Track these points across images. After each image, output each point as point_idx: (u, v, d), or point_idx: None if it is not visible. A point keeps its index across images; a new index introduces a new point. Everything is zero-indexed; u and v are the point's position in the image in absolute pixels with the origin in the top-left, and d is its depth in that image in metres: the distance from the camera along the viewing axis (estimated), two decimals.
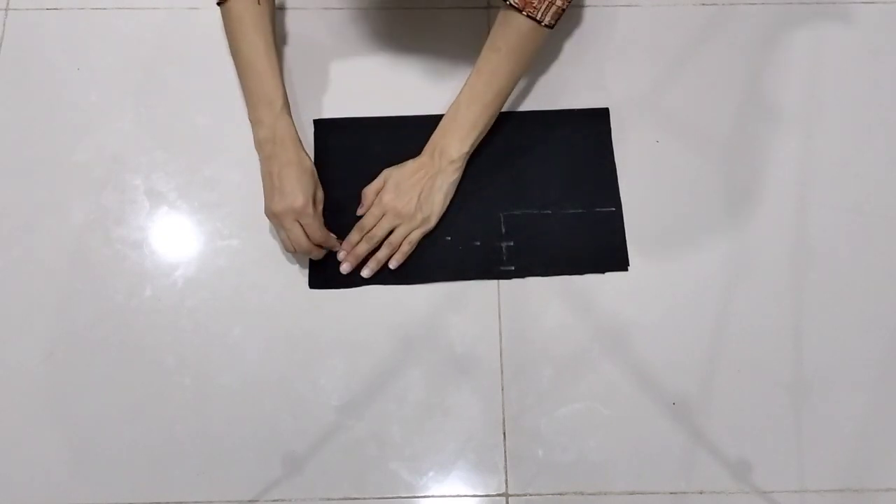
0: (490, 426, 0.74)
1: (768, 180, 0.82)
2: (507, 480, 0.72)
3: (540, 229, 0.79)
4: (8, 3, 0.88)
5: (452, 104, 0.76)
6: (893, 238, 0.80)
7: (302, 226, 0.72)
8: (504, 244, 0.79)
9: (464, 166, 0.77)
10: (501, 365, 0.75)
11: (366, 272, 0.77)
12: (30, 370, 0.75)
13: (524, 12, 0.70)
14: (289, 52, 0.85)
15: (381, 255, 0.77)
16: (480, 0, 0.88)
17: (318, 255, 0.75)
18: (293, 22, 0.87)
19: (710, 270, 0.78)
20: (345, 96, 0.84)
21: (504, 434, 0.74)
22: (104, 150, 0.82)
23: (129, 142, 0.82)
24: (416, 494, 0.72)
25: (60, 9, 0.88)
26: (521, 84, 0.85)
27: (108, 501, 0.71)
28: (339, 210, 0.78)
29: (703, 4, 0.89)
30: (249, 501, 0.71)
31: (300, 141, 0.75)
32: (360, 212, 0.78)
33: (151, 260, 0.78)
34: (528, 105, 0.84)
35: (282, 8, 0.87)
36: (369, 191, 0.78)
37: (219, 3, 0.74)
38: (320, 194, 0.75)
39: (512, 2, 0.70)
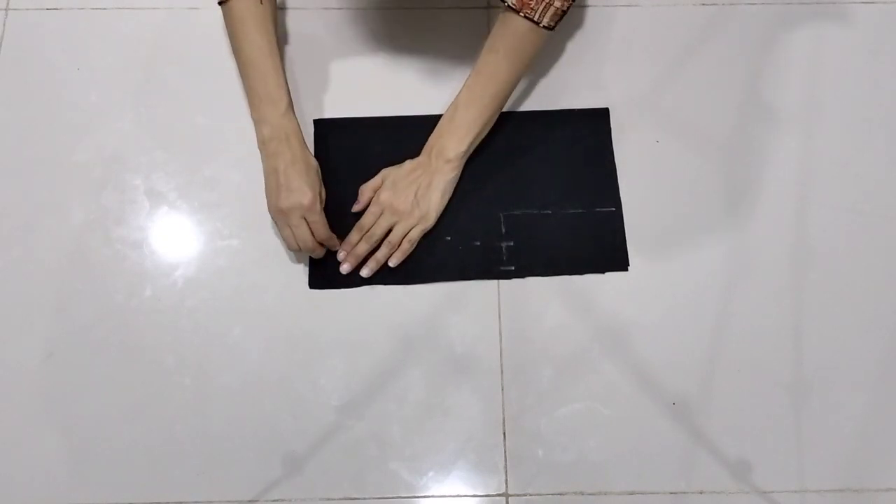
0: (490, 426, 0.74)
1: (768, 180, 0.82)
2: (507, 480, 0.72)
3: (540, 229, 0.79)
4: (8, 3, 0.88)
5: (450, 105, 0.76)
6: (893, 238, 0.80)
7: (308, 223, 0.72)
8: (504, 244, 0.79)
9: (461, 166, 0.77)
10: (501, 365, 0.75)
11: (365, 272, 0.77)
12: (30, 370, 0.75)
13: (521, 13, 0.70)
14: (289, 52, 0.85)
15: (380, 254, 0.77)
16: (480, 0, 0.88)
17: (319, 253, 0.75)
18: (293, 22, 0.87)
19: (710, 270, 0.79)
20: (345, 96, 0.84)
21: (504, 434, 0.74)
22: (104, 150, 0.82)
23: (129, 142, 0.82)
24: (416, 494, 0.72)
25: (60, 9, 0.88)
26: (522, 84, 0.85)
27: (108, 501, 0.71)
28: (340, 210, 0.78)
29: (703, 4, 0.89)
30: (249, 501, 0.71)
31: (304, 139, 0.75)
32: (355, 208, 0.78)
33: (151, 260, 0.78)
34: (528, 105, 0.84)
35: (282, 8, 0.87)
36: (366, 188, 0.78)
37: (220, 3, 0.74)
38: (324, 193, 0.75)
39: (510, 3, 0.70)
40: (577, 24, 0.88)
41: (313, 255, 0.76)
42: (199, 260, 0.78)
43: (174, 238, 0.79)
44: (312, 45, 0.86)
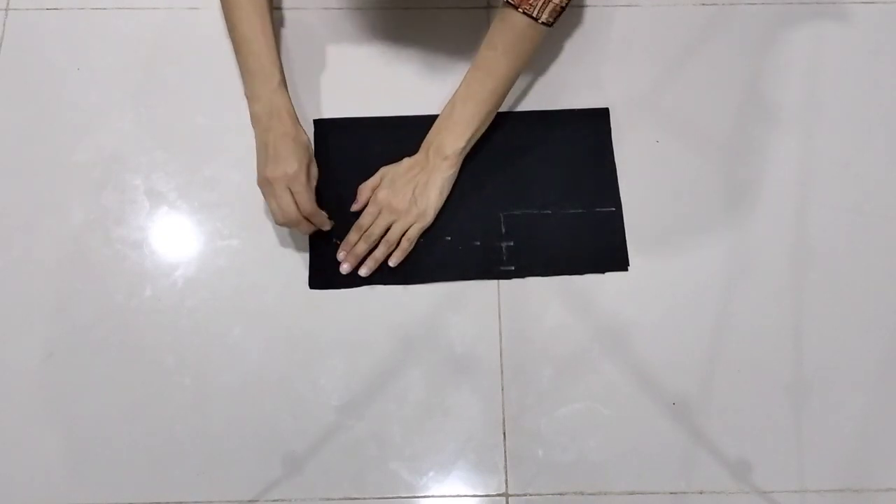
0: (490, 426, 0.74)
1: (768, 180, 0.82)
2: (507, 480, 0.72)
3: (540, 229, 0.79)
4: (8, 3, 0.88)
5: (448, 102, 0.76)
6: (893, 238, 0.80)
7: (293, 194, 0.72)
8: (504, 244, 0.79)
9: (460, 163, 0.77)
10: (501, 365, 0.75)
11: (363, 271, 0.77)
12: (30, 370, 0.75)
13: (520, 9, 0.70)
14: (289, 51, 0.85)
15: (379, 253, 0.76)
16: (480, 0, 0.88)
17: (306, 229, 0.74)
18: (293, 22, 0.87)
19: (710, 270, 0.79)
20: (345, 96, 0.84)
21: (504, 434, 0.74)
22: (104, 150, 0.82)
23: (129, 142, 0.82)
24: (416, 494, 0.72)
25: (60, 9, 0.88)
26: (522, 84, 0.85)
27: (108, 501, 0.71)
28: (340, 209, 0.78)
29: (703, 4, 0.89)
30: (249, 501, 0.71)
31: (297, 116, 0.75)
32: (354, 207, 0.78)
33: (151, 260, 0.78)
34: (528, 105, 0.84)
35: (281, 8, 0.87)
36: (365, 187, 0.78)
37: None
38: (314, 170, 0.75)
39: None
40: (577, 23, 0.88)
41: (300, 231, 0.75)
42: (199, 260, 0.78)
43: (174, 238, 0.79)
44: (312, 45, 0.86)
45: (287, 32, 0.87)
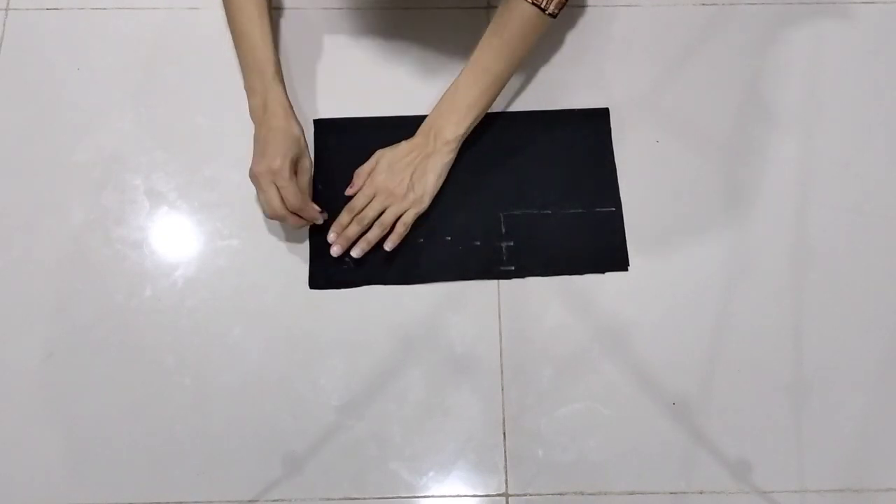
0: (490, 426, 0.74)
1: (768, 180, 0.82)
2: (507, 480, 0.72)
3: (540, 229, 0.79)
4: (8, 3, 0.88)
5: (450, 86, 0.76)
6: (893, 238, 0.80)
7: (278, 189, 0.72)
8: (504, 244, 0.79)
9: (458, 149, 0.77)
10: (501, 365, 0.75)
11: (356, 252, 0.76)
12: (30, 370, 0.75)
13: (529, 0, 0.70)
14: (288, 51, 0.85)
15: (372, 235, 0.76)
16: (480, 0, 0.88)
17: (294, 223, 0.74)
18: (293, 22, 0.87)
19: (709, 270, 0.79)
20: (345, 96, 0.84)
21: (504, 434, 0.74)
22: (104, 150, 0.82)
23: (129, 142, 0.82)
24: (416, 494, 0.72)
25: (60, 9, 0.88)
26: (521, 84, 0.85)
27: (108, 501, 0.71)
28: (340, 209, 0.78)
29: (703, 4, 0.89)
30: (249, 501, 0.71)
31: (292, 108, 0.75)
32: (349, 192, 0.78)
33: (151, 260, 0.78)
34: (528, 105, 0.84)
35: (280, 8, 0.87)
36: (361, 171, 0.78)
37: None
38: (306, 164, 0.75)
39: None
40: (577, 23, 0.88)
41: (290, 225, 0.75)
42: (199, 260, 0.78)
43: (174, 238, 0.79)
44: (312, 45, 0.86)
45: (287, 32, 0.87)
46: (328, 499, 0.72)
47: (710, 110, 0.84)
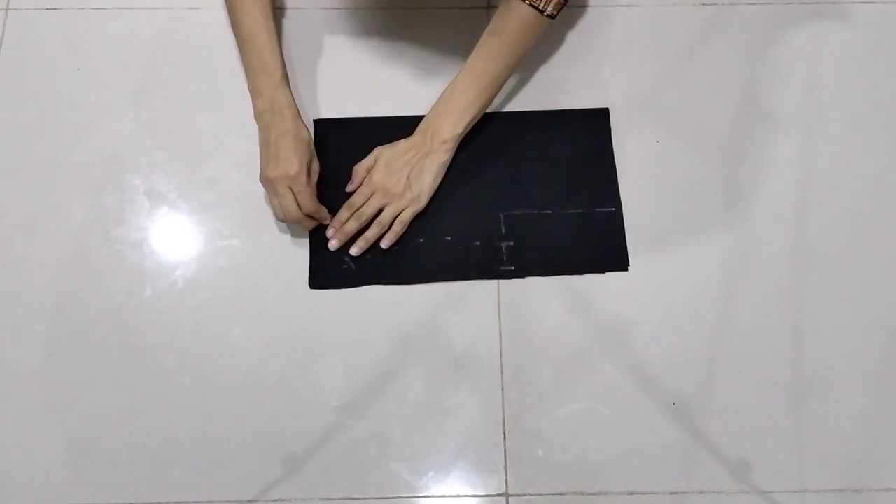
0: (490, 426, 0.74)
1: (768, 180, 0.82)
2: (507, 480, 0.72)
3: (540, 229, 0.79)
4: (8, 3, 0.88)
5: (448, 86, 0.76)
6: (893, 238, 0.80)
7: (294, 194, 0.73)
8: (504, 244, 0.79)
9: (455, 148, 0.77)
10: (501, 365, 0.75)
11: (354, 250, 0.77)
12: (30, 370, 0.75)
13: (526, 1, 0.70)
14: (289, 51, 0.85)
15: (370, 234, 0.76)
16: (480, 0, 0.88)
17: (307, 225, 0.76)
18: (293, 22, 0.87)
19: (709, 270, 0.79)
20: (345, 96, 0.84)
21: (504, 434, 0.74)
22: (104, 150, 0.82)
23: (129, 142, 0.82)
24: (416, 494, 0.72)
25: (60, 9, 0.88)
26: (521, 84, 0.85)
27: (108, 501, 0.71)
28: (339, 209, 0.78)
29: (703, 4, 0.89)
30: (249, 501, 0.71)
31: (299, 111, 0.76)
32: (349, 188, 0.78)
33: (151, 260, 0.78)
34: (529, 105, 0.84)
35: (281, 8, 0.87)
36: (360, 167, 0.78)
37: None
38: (316, 166, 0.76)
39: None
40: (577, 23, 0.88)
41: (303, 227, 0.76)
42: (199, 260, 0.78)
43: (174, 238, 0.79)
44: (312, 45, 0.86)
45: (287, 32, 0.87)
46: (328, 499, 0.72)
47: (710, 110, 0.84)
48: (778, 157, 0.82)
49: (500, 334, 0.76)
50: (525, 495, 0.72)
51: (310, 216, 0.75)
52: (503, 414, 0.74)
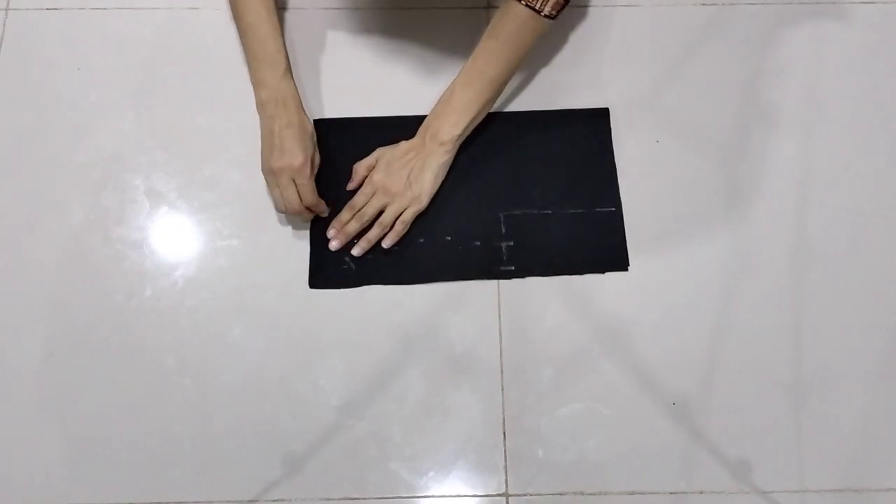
0: (490, 426, 0.74)
1: (768, 180, 0.82)
2: (507, 480, 0.72)
3: (540, 229, 0.79)
4: (8, 3, 0.88)
5: (448, 87, 0.76)
6: (893, 238, 0.80)
7: (296, 186, 0.73)
8: (504, 244, 0.79)
9: (456, 149, 0.77)
10: (501, 365, 0.75)
11: (356, 251, 0.77)
12: (30, 370, 0.75)
13: (523, 1, 0.70)
14: (290, 51, 0.85)
15: (372, 234, 0.77)
16: (480, 0, 0.88)
17: (307, 217, 0.77)
18: (293, 22, 0.87)
19: (709, 270, 0.78)
20: (345, 96, 0.84)
21: (504, 434, 0.74)
22: (104, 150, 0.82)
23: (129, 142, 0.82)
24: (416, 494, 0.72)
25: (60, 9, 0.88)
26: (522, 84, 0.85)
27: (108, 501, 0.71)
28: (340, 208, 0.78)
29: (703, 4, 0.89)
30: (249, 501, 0.71)
31: (302, 103, 0.76)
32: (349, 186, 0.79)
33: (151, 260, 0.78)
34: (528, 105, 0.84)
35: (282, 8, 0.87)
36: (360, 166, 0.79)
37: None
38: (318, 159, 0.76)
39: None
40: (577, 23, 0.88)
41: (303, 219, 0.77)
42: (199, 260, 0.78)
43: (174, 238, 0.79)
44: (313, 45, 0.86)
45: (288, 32, 0.87)
46: (328, 499, 0.72)
47: (710, 110, 0.84)
48: (778, 156, 0.82)
49: (500, 334, 0.76)
50: (525, 495, 0.72)
51: (309, 209, 0.75)
52: (503, 414, 0.74)
